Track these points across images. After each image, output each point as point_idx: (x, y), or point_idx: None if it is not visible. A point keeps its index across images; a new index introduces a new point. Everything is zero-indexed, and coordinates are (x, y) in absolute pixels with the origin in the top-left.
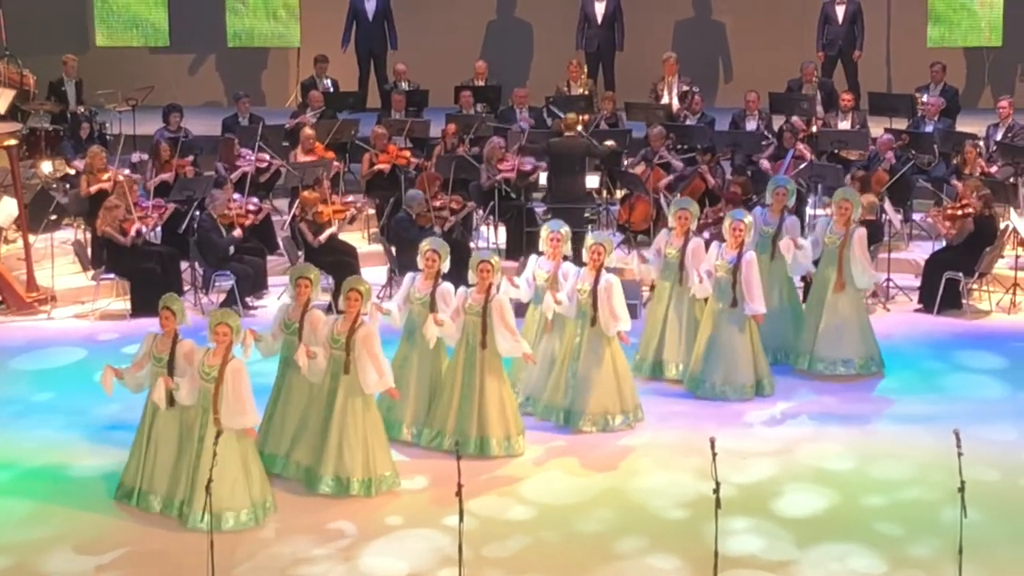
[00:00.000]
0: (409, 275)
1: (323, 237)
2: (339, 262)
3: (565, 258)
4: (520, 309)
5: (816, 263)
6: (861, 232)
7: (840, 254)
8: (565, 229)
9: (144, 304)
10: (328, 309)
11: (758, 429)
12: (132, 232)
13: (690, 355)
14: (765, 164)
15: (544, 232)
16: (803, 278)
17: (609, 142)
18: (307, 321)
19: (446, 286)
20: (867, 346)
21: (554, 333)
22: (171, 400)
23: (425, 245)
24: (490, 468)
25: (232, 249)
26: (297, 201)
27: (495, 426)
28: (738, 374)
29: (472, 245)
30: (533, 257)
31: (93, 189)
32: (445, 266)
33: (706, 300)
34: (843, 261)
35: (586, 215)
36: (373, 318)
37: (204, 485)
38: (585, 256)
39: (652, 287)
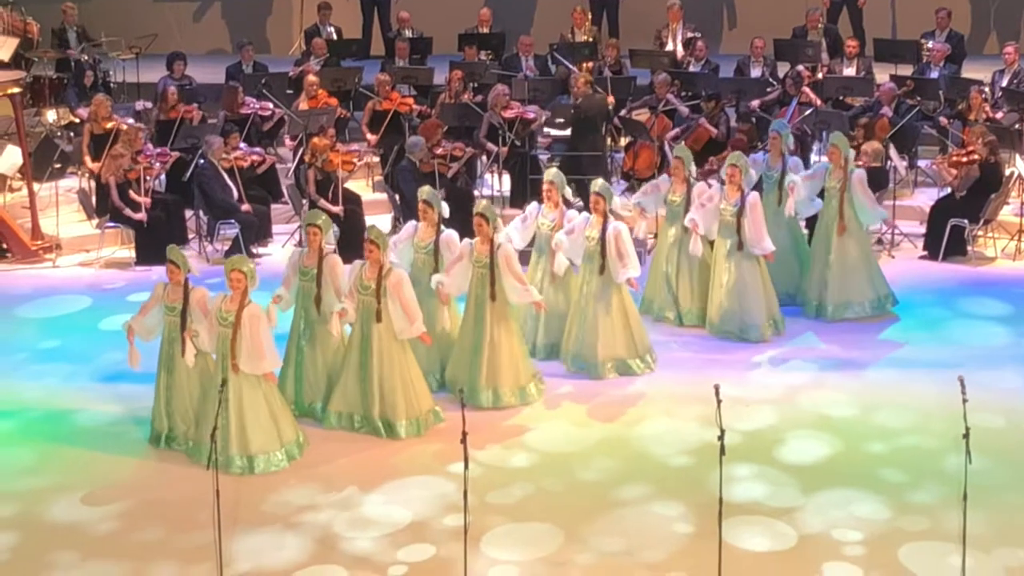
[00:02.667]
0: (412, 223)
1: (322, 204)
2: (344, 210)
3: (567, 204)
4: (523, 258)
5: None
6: (860, 173)
7: (841, 197)
8: (558, 177)
9: (149, 252)
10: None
11: (761, 376)
12: (145, 203)
13: (704, 300)
14: (754, 104)
15: (544, 182)
16: (807, 222)
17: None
18: (325, 266)
19: (449, 233)
20: (877, 286)
21: (559, 282)
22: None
23: (421, 194)
24: (494, 416)
25: (237, 198)
26: (306, 147)
27: (506, 376)
28: (752, 315)
29: (476, 193)
30: (534, 204)
31: (90, 166)
32: (445, 211)
33: (712, 245)
34: (844, 204)
35: None
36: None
37: (235, 430)
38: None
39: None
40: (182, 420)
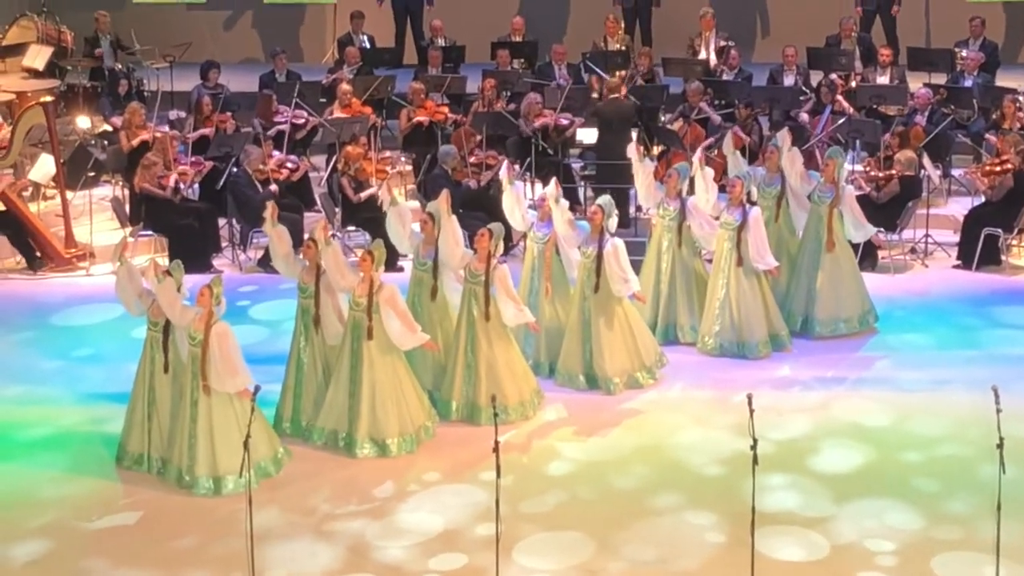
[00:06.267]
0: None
1: (364, 195)
2: (377, 218)
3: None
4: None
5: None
6: (850, 189)
7: (829, 213)
8: (547, 190)
9: (182, 260)
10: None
11: (791, 386)
12: (171, 183)
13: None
14: (804, 116)
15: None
16: None
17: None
18: (323, 285)
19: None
20: (863, 302)
21: (554, 298)
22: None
23: (428, 207)
24: (524, 426)
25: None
26: (339, 155)
27: (509, 392)
28: (752, 332)
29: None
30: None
31: (135, 142)
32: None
33: (710, 260)
34: (832, 220)
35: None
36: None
37: (203, 450)
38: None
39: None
40: (159, 441)
